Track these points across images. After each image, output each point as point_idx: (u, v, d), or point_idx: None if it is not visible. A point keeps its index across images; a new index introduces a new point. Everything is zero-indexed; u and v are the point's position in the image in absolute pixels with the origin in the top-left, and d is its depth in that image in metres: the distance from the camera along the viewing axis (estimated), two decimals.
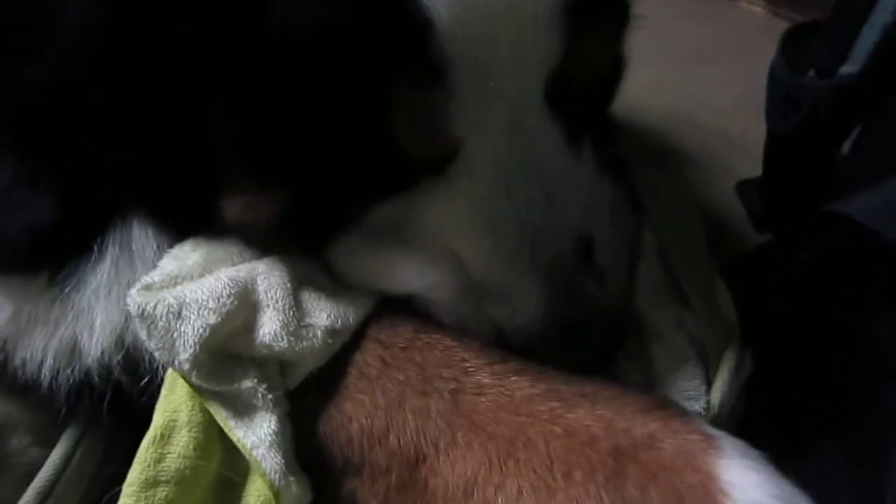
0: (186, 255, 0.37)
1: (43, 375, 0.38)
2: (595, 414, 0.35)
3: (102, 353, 0.38)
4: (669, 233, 0.46)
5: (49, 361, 0.38)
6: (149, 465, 0.36)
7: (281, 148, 0.34)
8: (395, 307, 0.39)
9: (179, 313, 0.34)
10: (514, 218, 0.36)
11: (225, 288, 0.35)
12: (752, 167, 0.67)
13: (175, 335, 0.34)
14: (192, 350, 0.34)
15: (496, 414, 0.36)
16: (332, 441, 0.37)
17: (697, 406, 0.40)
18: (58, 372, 0.38)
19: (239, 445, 0.36)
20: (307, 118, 0.33)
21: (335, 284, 0.39)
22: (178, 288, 0.35)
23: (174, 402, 0.37)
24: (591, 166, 0.40)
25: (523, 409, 0.36)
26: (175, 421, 0.37)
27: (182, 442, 0.37)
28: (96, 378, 0.38)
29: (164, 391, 0.38)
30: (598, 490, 0.33)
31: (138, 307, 0.34)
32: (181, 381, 0.37)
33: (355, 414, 0.37)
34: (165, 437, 0.37)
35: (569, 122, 0.37)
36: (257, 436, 0.35)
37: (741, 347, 0.42)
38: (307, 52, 0.31)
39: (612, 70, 0.41)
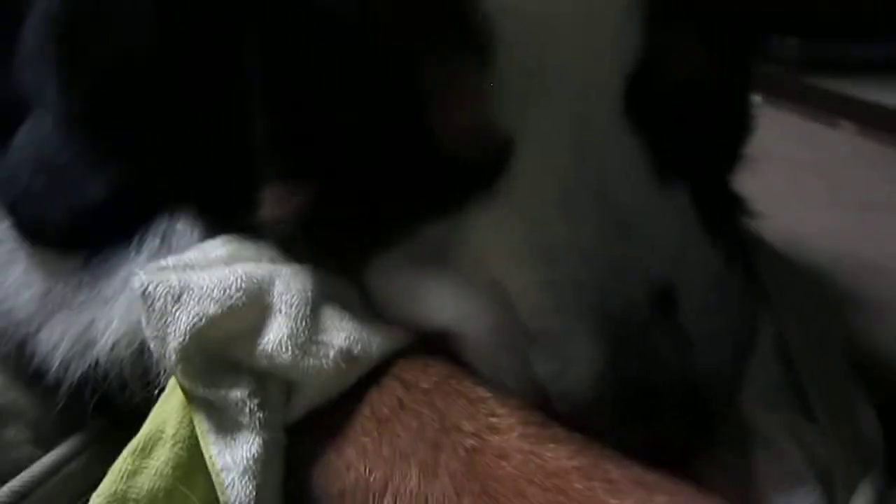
0: (214, 248, 0.34)
1: (54, 363, 0.36)
2: None
3: (114, 345, 0.35)
4: (796, 332, 0.36)
5: (63, 347, 0.36)
6: (122, 478, 0.32)
7: (311, 132, 0.31)
8: (434, 349, 0.33)
9: (179, 297, 0.31)
10: (574, 248, 0.30)
11: (236, 280, 0.31)
12: None
13: (169, 320, 0.31)
14: (181, 339, 0.30)
15: (518, 485, 0.28)
16: (325, 492, 0.31)
17: None
18: (69, 362, 0.36)
19: (209, 464, 0.30)
20: (335, 95, 0.30)
21: (368, 311, 0.34)
22: (188, 273, 0.32)
23: (165, 412, 0.33)
24: (685, 215, 0.33)
25: (553, 482, 0.27)
26: (162, 433, 0.32)
27: (162, 458, 0.32)
28: (101, 373, 0.35)
29: (161, 398, 0.34)
30: None
31: (141, 285, 0.31)
32: (179, 391, 0.33)
33: (355, 461, 0.31)
34: (147, 449, 0.32)
35: (655, 146, 0.31)
36: (233, 457, 0.30)
37: (886, 480, 0.31)
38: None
39: (727, 108, 0.35)
